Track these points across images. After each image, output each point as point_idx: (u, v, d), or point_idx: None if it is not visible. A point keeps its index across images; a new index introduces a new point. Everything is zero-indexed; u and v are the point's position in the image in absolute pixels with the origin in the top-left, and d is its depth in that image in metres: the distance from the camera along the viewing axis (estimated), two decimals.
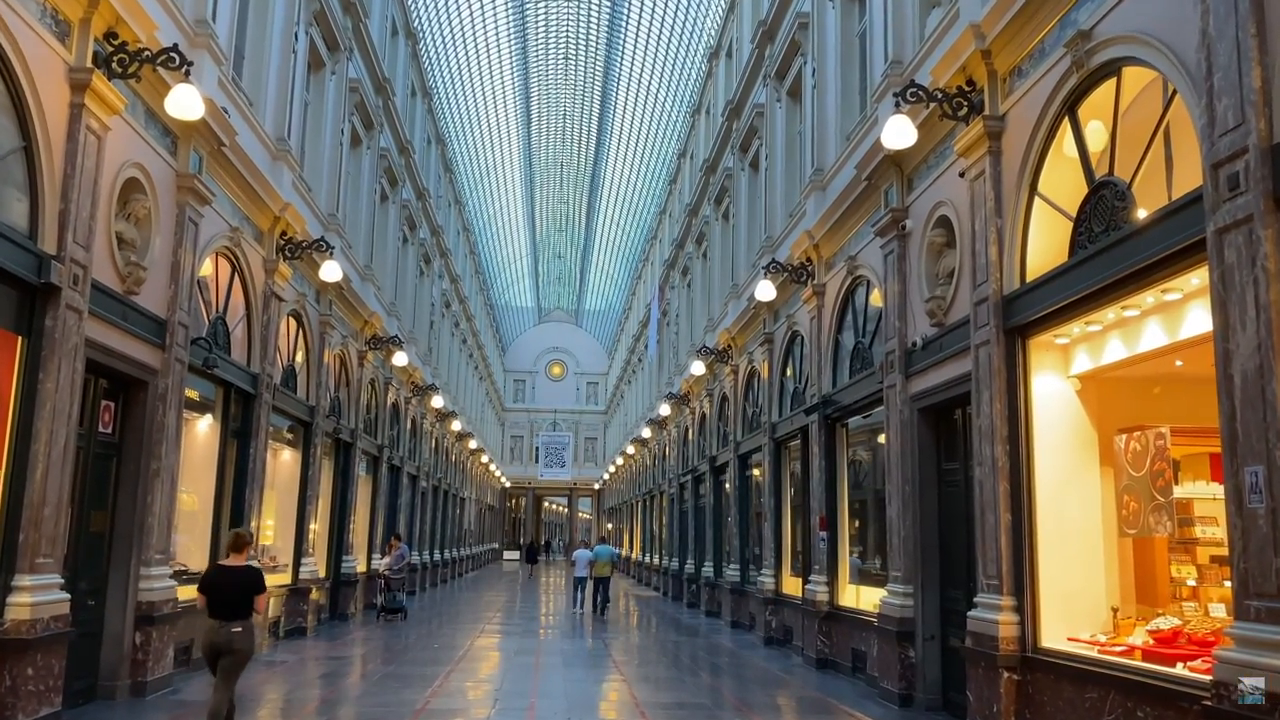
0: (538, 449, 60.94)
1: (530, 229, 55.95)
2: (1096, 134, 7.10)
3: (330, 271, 13.55)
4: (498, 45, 35.61)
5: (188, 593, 11.08)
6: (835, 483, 12.88)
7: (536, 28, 36.18)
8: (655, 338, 32.89)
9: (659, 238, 35.58)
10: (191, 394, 11.02)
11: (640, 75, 35.80)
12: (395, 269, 22.66)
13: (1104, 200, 6.78)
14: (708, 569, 22.07)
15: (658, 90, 35.40)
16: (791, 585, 15.44)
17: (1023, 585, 7.55)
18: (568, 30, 36.55)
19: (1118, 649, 6.66)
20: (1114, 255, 6.50)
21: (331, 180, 16.39)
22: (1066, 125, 7.33)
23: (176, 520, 11.34)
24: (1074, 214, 7.23)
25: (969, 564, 9.04)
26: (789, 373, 15.77)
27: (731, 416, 19.60)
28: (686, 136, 28.67)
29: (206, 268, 11.41)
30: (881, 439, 11.55)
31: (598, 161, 45.64)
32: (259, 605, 6.95)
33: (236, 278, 12.06)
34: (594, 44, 36.54)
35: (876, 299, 11.69)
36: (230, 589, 6.83)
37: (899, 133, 8.63)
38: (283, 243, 13.08)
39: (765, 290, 13.86)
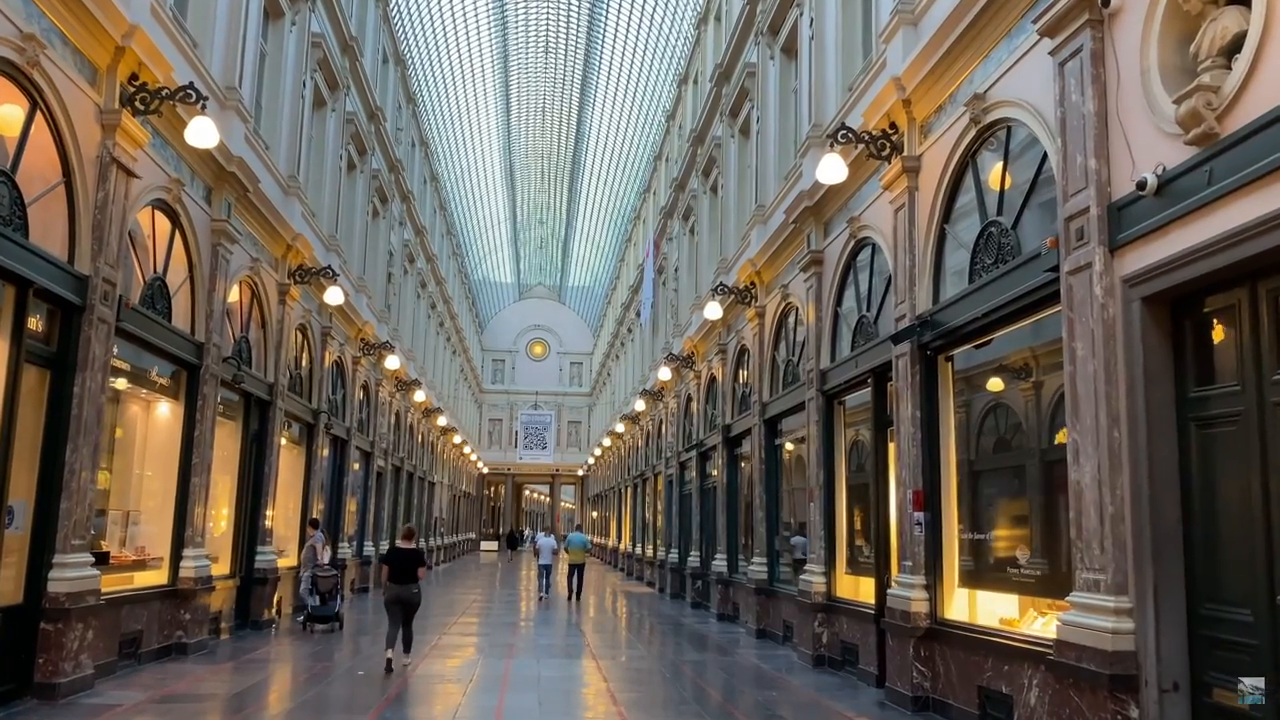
0: (517, 431, 56.78)
1: (510, 196, 51.52)
2: None
3: (201, 135, 9.30)
4: None
5: None
6: (937, 441, 8.85)
7: None
8: (650, 299, 28.76)
9: (653, 189, 31.49)
10: None
11: None
12: (336, 195, 18.45)
13: None
14: (718, 562, 18.12)
15: (653, 10, 31.04)
16: (848, 587, 11.50)
17: None
18: None
19: None
20: None
21: (232, 41, 12.17)
22: None
23: None
24: None
25: (1251, 561, 5.10)
26: (845, 303, 11.76)
27: (754, 373, 15.57)
28: (690, 56, 24.54)
29: None
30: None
31: (583, 110, 41.22)
32: (420, 574, 10.56)
33: (40, 118, 7.88)
34: None
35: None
36: (403, 562, 10.53)
37: None
38: (133, 89, 8.93)
39: (831, 169, 9.66)
